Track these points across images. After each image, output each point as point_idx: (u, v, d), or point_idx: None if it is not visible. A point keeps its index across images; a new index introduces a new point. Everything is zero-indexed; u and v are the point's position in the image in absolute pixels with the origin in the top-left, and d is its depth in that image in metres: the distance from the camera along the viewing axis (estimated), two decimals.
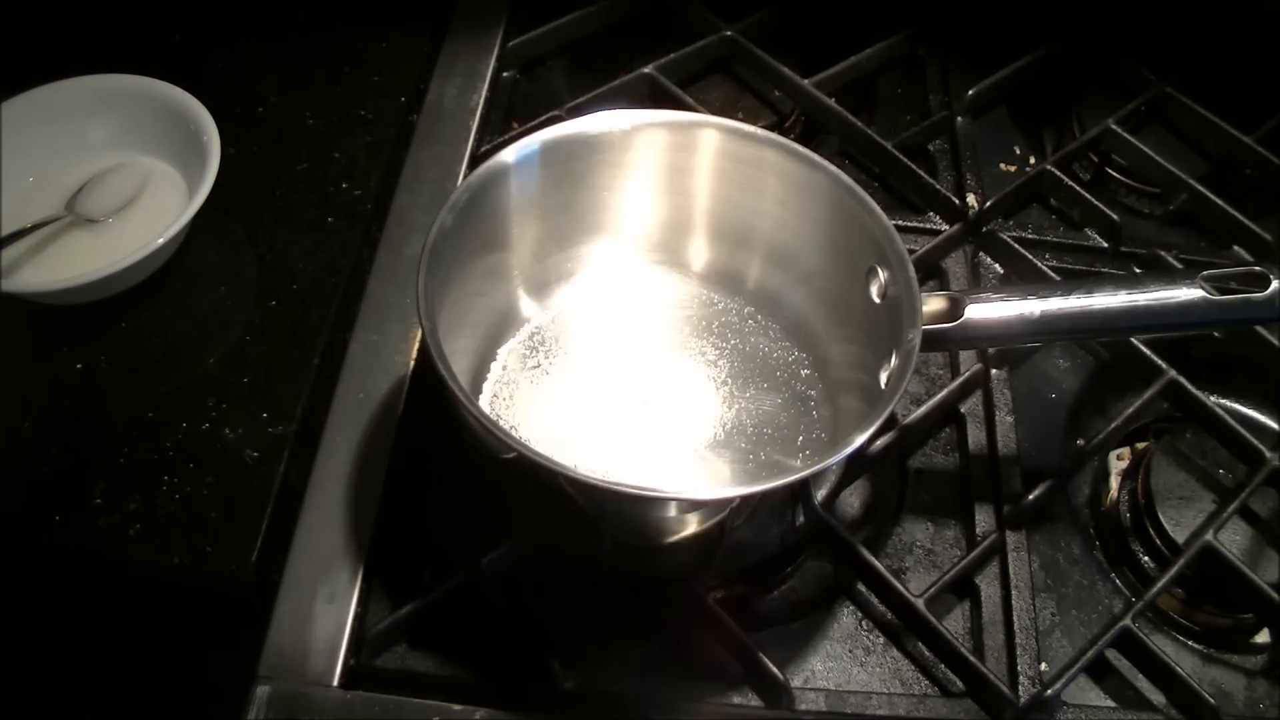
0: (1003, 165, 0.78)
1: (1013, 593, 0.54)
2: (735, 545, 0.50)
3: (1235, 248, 0.71)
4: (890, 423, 0.58)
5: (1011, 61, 0.79)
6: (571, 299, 0.61)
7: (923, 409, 0.59)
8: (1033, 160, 0.78)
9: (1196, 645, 0.57)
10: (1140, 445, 0.63)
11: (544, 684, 0.50)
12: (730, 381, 0.58)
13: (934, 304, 0.51)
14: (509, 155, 0.53)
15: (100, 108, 0.65)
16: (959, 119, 0.75)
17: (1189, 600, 0.57)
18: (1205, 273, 0.51)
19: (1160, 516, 0.58)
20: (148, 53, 0.71)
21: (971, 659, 0.51)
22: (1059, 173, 0.72)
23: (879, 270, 0.52)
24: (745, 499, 0.46)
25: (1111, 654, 0.54)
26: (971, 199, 0.70)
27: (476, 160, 0.69)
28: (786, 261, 0.59)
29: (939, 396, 0.60)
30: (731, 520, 0.47)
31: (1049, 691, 0.51)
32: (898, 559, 0.58)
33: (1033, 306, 0.51)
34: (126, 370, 0.59)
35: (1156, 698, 0.54)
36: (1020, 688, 0.51)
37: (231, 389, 0.58)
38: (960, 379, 0.62)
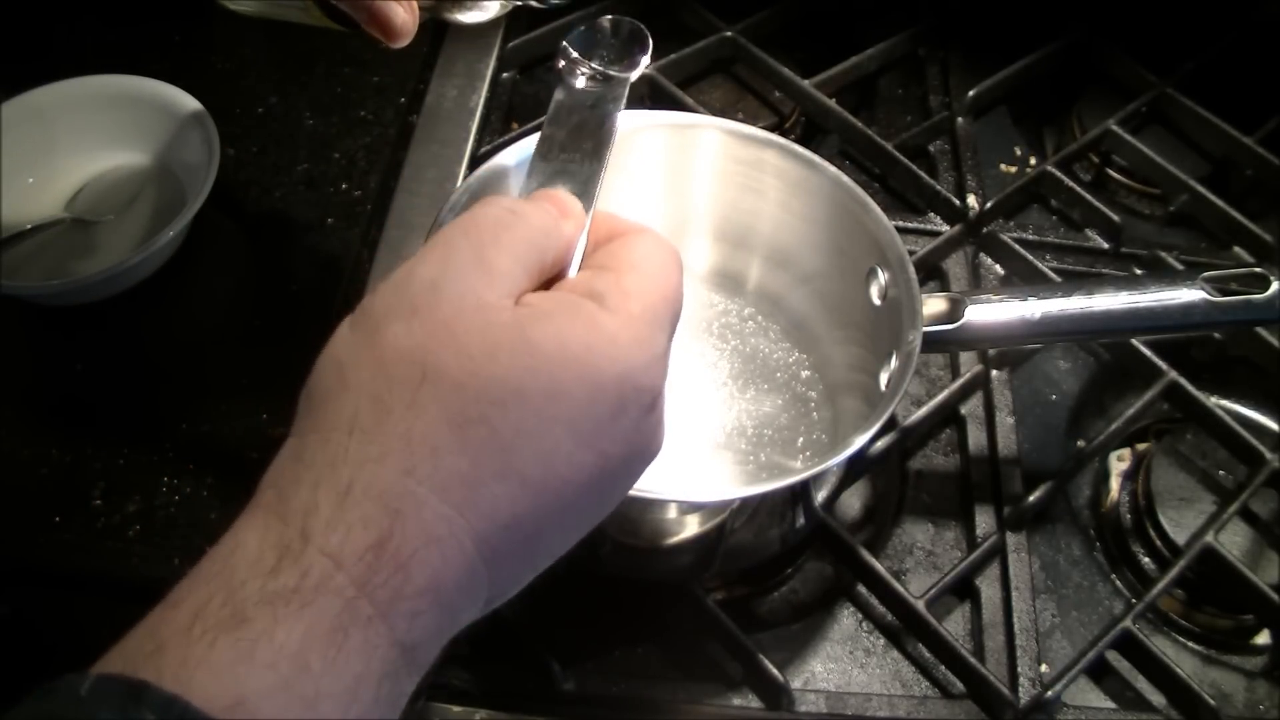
0: (1003, 166, 0.78)
1: (1013, 594, 0.54)
2: (735, 546, 0.50)
3: (1235, 249, 0.71)
4: (890, 424, 0.58)
5: (1011, 61, 0.78)
6: None
7: (923, 410, 0.59)
8: (1033, 161, 0.78)
9: (1197, 646, 0.57)
10: (1141, 446, 0.63)
11: (544, 684, 0.50)
12: (730, 383, 0.57)
13: (934, 305, 0.51)
14: (508, 156, 0.53)
15: (100, 108, 0.65)
16: (959, 119, 0.75)
17: (1189, 601, 0.57)
18: (1206, 274, 0.51)
19: (1160, 518, 0.58)
20: (148, 53, 0.71)
21: (972, 660, 0.51)
22: (1059, 173, 0.72)
23: (879, 271, 0.52)
24: (745, 500, 0.46)
25: (1112, 655, 0.54)
26: (972, 200, 0.70)
27: (476, 161, 0.69)
28: (787, 262, 0.59)
29: (939, 398, 0.60)
30: (731, 522, 0.47)
31: (1049, 693, 0.51)
32: (898, 560, 0.58)
33: (1033, 308, 0.51)
34: (126, 370, 0.59)
35: (1157, 699, 0.54)
36: (1020, 689, 0.51)
37: (231, 389, 0.58)
38: (960, 380, 0.61)
